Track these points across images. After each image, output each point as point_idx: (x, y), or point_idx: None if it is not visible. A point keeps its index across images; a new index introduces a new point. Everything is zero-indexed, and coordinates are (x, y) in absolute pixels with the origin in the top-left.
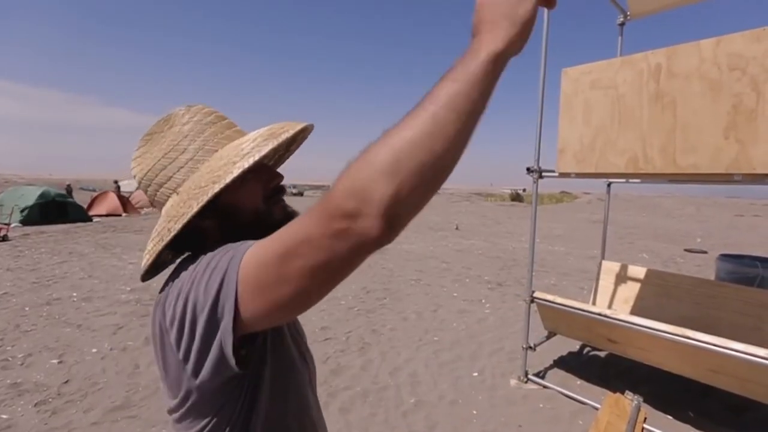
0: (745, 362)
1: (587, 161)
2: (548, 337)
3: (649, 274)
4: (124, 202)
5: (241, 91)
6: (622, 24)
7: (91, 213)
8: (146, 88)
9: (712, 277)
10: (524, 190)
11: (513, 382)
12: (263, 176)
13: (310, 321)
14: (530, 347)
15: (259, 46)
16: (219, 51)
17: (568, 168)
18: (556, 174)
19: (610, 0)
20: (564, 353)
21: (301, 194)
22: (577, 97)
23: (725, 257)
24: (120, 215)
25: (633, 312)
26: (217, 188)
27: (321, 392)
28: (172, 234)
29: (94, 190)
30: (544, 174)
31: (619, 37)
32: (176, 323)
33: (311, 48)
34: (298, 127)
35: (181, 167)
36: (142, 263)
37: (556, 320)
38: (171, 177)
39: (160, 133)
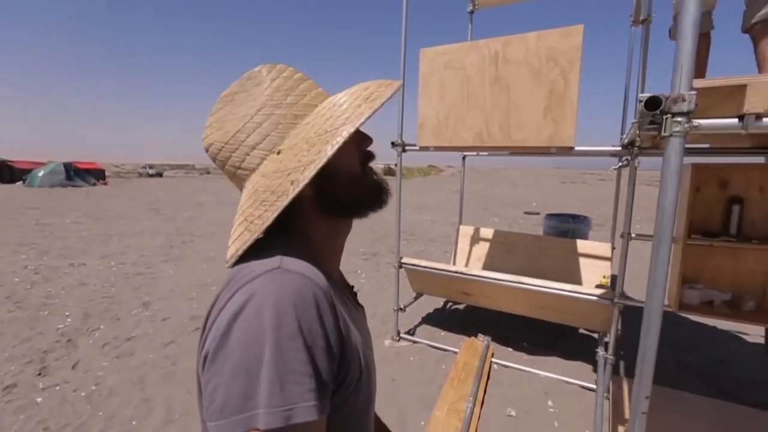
0: (560, 297)
1: (443, 135)
2: (416, 298)
3: (496, 234)
4: None
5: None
6: (471, 12)
7: None
8: None
9: (542, 233)
10: (395, 165)
11: (387, 342)
12: (358, 138)
13: (178, 311)
14: (401, 309)
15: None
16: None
17: (428, 142)
18: (417, 147)
19: None
20: (431, 310)
21: (160, 175)
22: (433, 77)
23: (549, 216)
24: None
25: (484, 267)
26: (351, 128)
27: (192, 385)
28: (302, 183)
29: None
30: (407, 148)
31: (469, 24)
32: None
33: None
34: (393, 88)
35: (279, 123)
36: (239, 238)
37: (422, 282)
38: (267, 135)
39: (245, 92)
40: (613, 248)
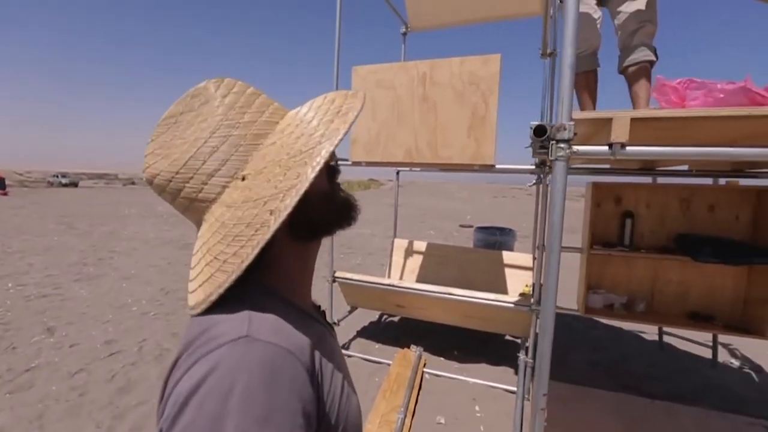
0: (484, 306)
1: (374, 151)
2: (350, 312)
3: (429, 247)
4: None
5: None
6: (404, 33)
7: None
8: None
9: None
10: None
11: None
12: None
13: (89, 337)
14: (334, 323)
15: None
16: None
17: (360, 157)
18: (350, 162)
19: (393, 12)
20: (366, 323)
21: (75, 185)
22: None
23: (478, 229)
24: None
25: (418, 279)
26: (330, 147)
27: (103, 417)
28: (285, 213)
29: None
30: (339, 163)
31: (403, 45)
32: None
33: None
34: (360, 99)
35: (239, 145)
36: (210, 281)
37: (356, 295)
38: (227, 159)
39: (191, 112)
40: (534, 259)
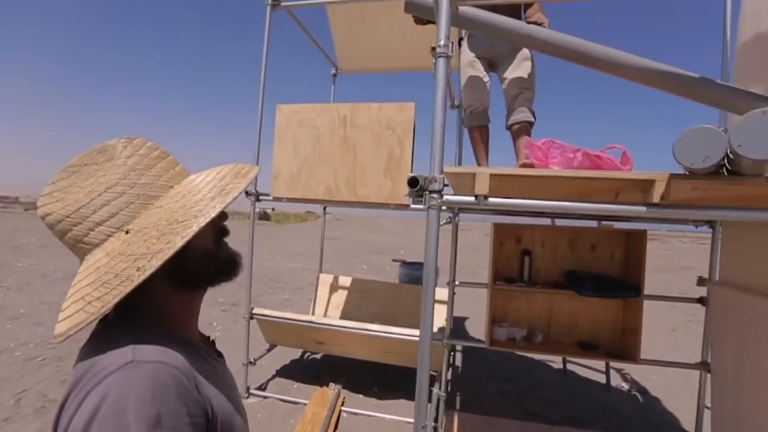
0: (399, 341)
1: (296, 188)
2: (269, 350)
3: (354, 282)
4: None
5: None
6: (334, 75)
7: None
8: None
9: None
10: (273, 210)
11: None
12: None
13: None
14: (251, 362)
15: None
16: None
17: (281, 193)
18: (271, 198)
19: (323, 55)
20: (287, 362)
21: None
22: (288, 132)
23: (403, 264)
24: None
25: (342, 315)
26: (202, 222)
27: None
28: (148, 272)
29: None
30: (261, 197)
31: (332, 85)
32: None
33: None
34: (248, 179)
35: (131, 203)
36: (73, 317)
37: (275, 333)
38: (116, 213)
39: (94, 165)
40: (453, 293)
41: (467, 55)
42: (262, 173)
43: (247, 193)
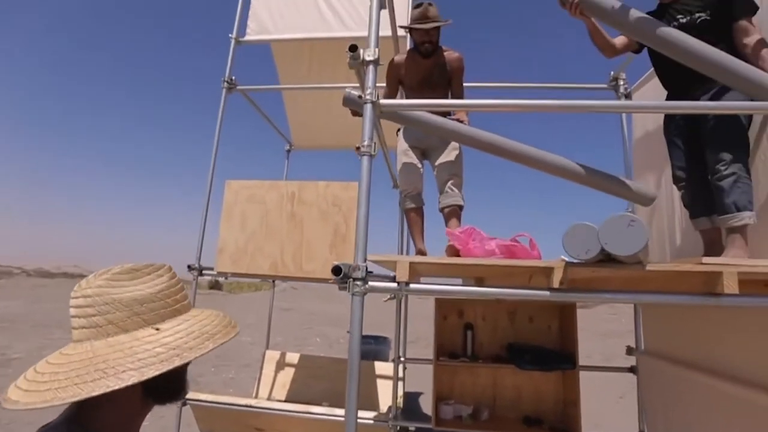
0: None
1: (241, 262)
2: None
3: (302, 358)
4: None
5: None
6: (288, 150)
7: None
8: None
9: None
10: (226, 278)
11: None
12: None
13: None
14: None
15: None
16: None
17: (225, 267)
18: (215, 272)
19: (276, 132)
20: None
21: None
22: (236, 207)
23: None
24: None
25: (288, 394)
26: (136, 380)
27: None
28: (144, 378)
29: None
30: (204, 272)
31: (286, 160)
32: None
33: None
34: (203, 350)
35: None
36: (36, 394)
37: (211, 420)
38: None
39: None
40: (404, 369)
41: (402, 144)
42: (207, 246)
43: (189, 267)
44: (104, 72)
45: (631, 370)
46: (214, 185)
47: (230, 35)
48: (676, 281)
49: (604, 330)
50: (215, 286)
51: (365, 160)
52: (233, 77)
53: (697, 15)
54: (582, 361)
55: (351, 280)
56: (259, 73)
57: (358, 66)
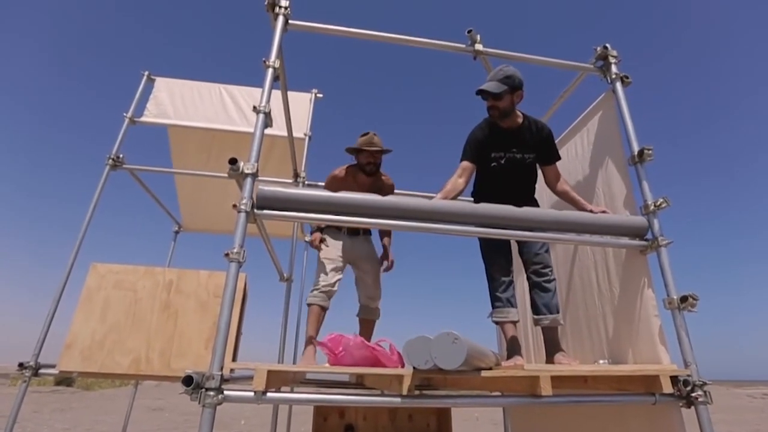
0: None
1: (94, 359)
2: None
3: None
4: None
5: None
6: (177, 232)
7: None
8: None
9: None
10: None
11: None
12: None
13: None
14: None
15: None
16: None
17: (72, 365)
18: (56, 372)
19: (165, 212)
20: None
21: None
22: (99, 293)
23: None
24: None
25: None
26: None
27: None
28: None
29: None
30: (41, 371)
31: (173, 242)
32: None
33: None
34: None
35: None
36: None
37: None
38: None
39: None
40: None
41: (330, 251)
42: (52, 339)
43: (21, 365)
44: None
45: None
46: (76, 267)
47: (125, 114)
48: (513, 384)
49: (498, 419)
50: (64, 381)
51: (233, 266)
52: (120, 155)
53: (527, 156)
54: None
55: (203, 390)
56: (155, 154)
57: (237, 177)
